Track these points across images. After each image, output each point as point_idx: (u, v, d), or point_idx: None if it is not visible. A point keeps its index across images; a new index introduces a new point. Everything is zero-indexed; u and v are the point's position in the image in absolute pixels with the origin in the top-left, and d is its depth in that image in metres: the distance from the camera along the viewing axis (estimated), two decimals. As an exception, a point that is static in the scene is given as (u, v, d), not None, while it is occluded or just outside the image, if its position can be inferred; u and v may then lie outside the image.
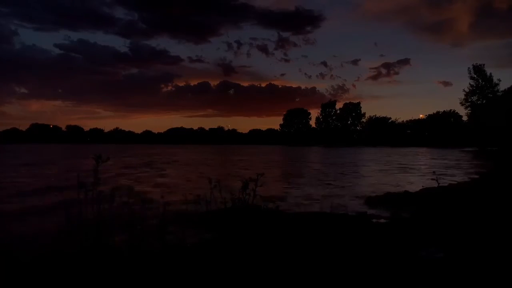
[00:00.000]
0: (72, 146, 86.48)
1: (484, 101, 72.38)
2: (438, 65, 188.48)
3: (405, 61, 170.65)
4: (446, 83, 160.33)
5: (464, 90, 74.69)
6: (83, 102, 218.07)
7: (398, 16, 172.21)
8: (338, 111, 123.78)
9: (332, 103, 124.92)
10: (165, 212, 3.91)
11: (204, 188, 4.44)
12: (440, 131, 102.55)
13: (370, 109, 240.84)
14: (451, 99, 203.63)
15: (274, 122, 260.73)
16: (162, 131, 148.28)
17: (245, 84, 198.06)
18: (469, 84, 73.98)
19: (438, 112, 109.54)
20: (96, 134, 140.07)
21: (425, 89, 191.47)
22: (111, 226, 3.65)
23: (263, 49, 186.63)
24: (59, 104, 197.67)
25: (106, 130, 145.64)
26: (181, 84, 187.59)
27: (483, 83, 72.92)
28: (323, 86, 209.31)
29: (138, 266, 3.24)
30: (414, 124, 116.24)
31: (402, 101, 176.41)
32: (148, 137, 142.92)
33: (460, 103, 75.90)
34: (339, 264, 3.64)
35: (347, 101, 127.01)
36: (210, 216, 4.36)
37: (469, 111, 75.67)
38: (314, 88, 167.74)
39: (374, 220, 6.94)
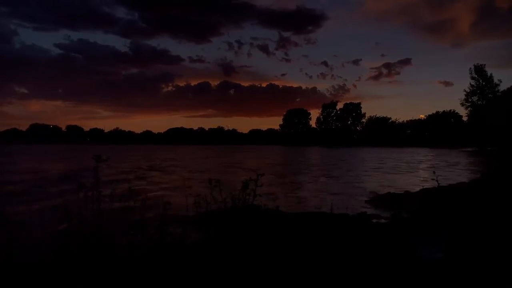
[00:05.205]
0: (73, 146, 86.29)
1: (484, 101, 72.45)
2: (439, 65, 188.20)
3: (406, 61, 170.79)
4: (447, 83, 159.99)
5: (464, 90, 74.97)
6: (83, 102, 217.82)
7: (399, 16, 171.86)
8: (338, 112, 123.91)
9: (333, 104, 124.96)
10: (165, 211, 3.91)
11: (204, 188, 4.45)
12: (440, 131, 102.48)
13: (371, 109, 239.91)
14: (451, 99, 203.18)
15: (274, 122, 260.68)
16: (162, 131, 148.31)
17: (246, 84, 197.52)
18: (470, 84, 74.23)
19: (438, 112, 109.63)
20: (96, 134, 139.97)
21: (426, 89, 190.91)
22: (112, 225, 3.65)
23: (264, 49, 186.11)
24: (59, 104, 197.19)
25: (106, 130, 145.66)
26: (182, 84, 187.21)
27: (484, 83, 73.01)
28: (324, 86, 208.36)
29: (138, 265, 3.24)
30: (414, 124, 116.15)
31: (403, 101, 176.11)
32: (148, 137, 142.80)
33: (461, 103, 76.16)
34: (339, 264, 3.64)
35: (348, 101, 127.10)
36: (210, 216, 4.36)
37: (470, 111, 75.80)
38: (314, 88, 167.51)
39: (374, 220, 6.95)
